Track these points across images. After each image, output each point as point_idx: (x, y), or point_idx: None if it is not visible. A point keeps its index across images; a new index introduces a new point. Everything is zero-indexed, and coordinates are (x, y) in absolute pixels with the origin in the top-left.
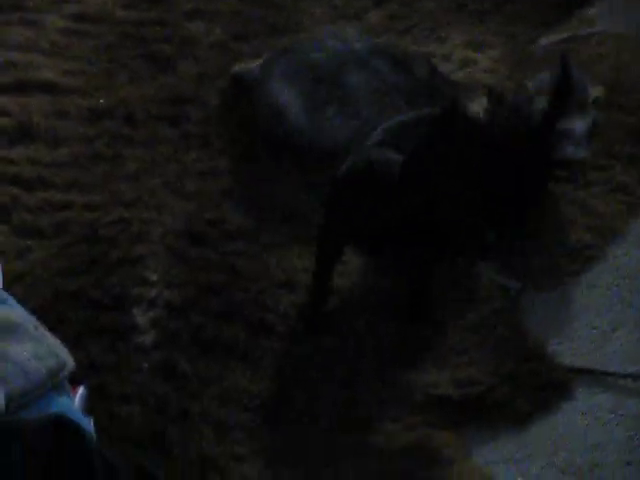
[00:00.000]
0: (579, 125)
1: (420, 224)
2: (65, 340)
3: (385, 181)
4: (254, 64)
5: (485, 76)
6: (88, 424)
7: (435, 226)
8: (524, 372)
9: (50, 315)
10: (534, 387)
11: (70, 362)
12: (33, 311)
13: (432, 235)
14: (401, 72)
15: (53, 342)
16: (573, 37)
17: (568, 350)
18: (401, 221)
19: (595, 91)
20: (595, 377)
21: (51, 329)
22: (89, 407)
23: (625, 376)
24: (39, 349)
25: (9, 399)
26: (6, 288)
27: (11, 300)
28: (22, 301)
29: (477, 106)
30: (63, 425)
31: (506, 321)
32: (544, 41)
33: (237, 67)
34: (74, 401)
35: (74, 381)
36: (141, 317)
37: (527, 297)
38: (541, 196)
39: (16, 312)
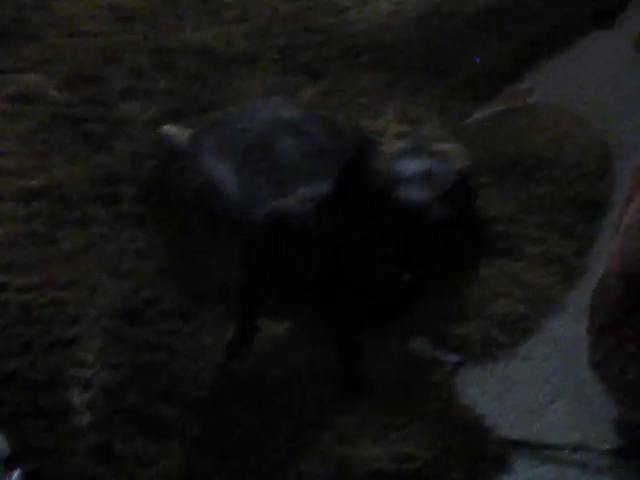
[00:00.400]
0: (412, 166)
1: (332, 274)
2: (0, 423)
3: (294, 230)
4: (183, 135)
5: None
6: None
7: (347, 275)
8: (461, 446)
9: None
10: (472, 460)
11: (4, 447)
12: None
13: (346, 285)
14: (333, 136)
15: None
16: (506, 110)
17: (505, 423)
18: (314, 272)
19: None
20: (533, 449)
21: None
22: None
23: (564, 448)
24: None
25: None
26: None
27: None
28: None
29: None
30: None
31: (442, 395)
32: (478, 115)
33: (166, 129)
34: None
35: (9, 465)
36: (77, 398)
37: (463, 371)
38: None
39: None
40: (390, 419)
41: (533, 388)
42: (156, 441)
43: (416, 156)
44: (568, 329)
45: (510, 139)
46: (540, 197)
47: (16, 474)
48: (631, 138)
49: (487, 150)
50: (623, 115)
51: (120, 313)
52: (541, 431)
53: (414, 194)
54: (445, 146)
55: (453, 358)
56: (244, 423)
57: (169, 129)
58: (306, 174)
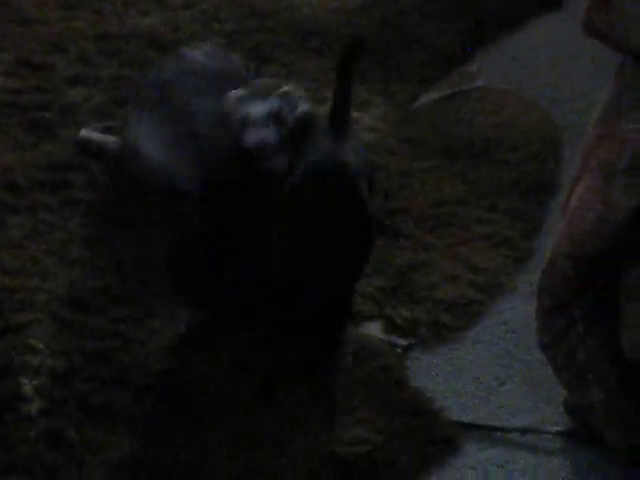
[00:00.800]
0: (258, 109)
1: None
2: None
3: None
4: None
5: (368, 135)
6: None
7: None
8: (412, 429)
9: None
10: (422, 443)
11: None
12: None
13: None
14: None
15: None
16: (454, 93)
17: (455, 405)
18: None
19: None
20: (483, 432)
21: None
22: None
23: (514, 430)
24: None
25: None
26: None
27: None
28: None
29: None
30: None
31: (393, 378)
32: (425, 98)
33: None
34: None
35: None
36: (26, 386)
37: (413, 354)
38: None
39: None
40: (340, 402)
41: (483, 371)
42: (106, 427)
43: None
44: (517, 311)
45: (458, 122)
46: (488, 179)
47: None
48: (579, 120)
49: (436, 133)
50: (571, 97)
51: (69, 300)
52: (491, 414)
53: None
54: (288, 88)
55: (402, 341)
56: (195, 408)
57: (86, 133)
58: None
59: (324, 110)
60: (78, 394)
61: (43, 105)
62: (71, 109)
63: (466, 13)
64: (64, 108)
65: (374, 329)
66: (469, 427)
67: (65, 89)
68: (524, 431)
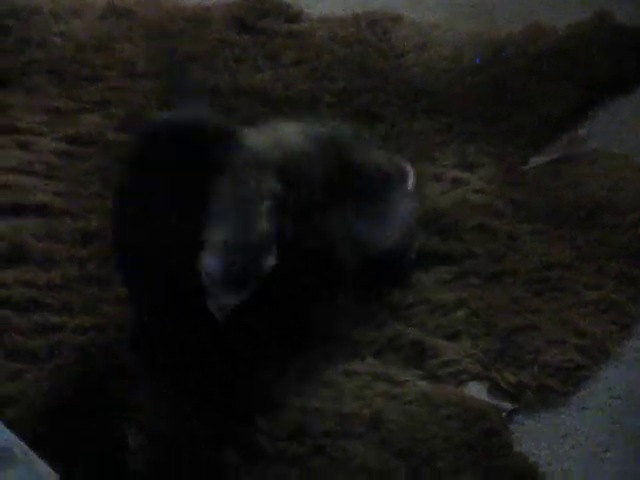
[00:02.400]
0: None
1: None
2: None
3: None
4: None
5: (475, 196)
6: None
7: None
8: None
9: (42, 440)
10: None
11: None
12: (23, 435)
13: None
14: None
15: (44, 469)
16: (564, 157)
17: (559, 471)
18: None
19: None
20: None
21: (42, 454)
22: None
23: None
24: (28, 476)
25: None
26: None
27: (0, 424)
28: (12, 426)
29: None
30: None
31: (497, 442)
32: (534, 161)
33: None
34: None
35: None
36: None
37: (517, 418)
38: None
39: (4, 436)
40: (444, 466)
41: (587, 437)
42: None
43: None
44: (623, 378)
45: (567, 186)
46: (596, 243)
47: None
48: None
49: (544, 196)
50: None
51: None
52: None
53: None
54: None
55: (507, 405)
56: None
57: None
58: None
59: (434, 170)
60: (182, 452)
61: None
62: None
63: (578, 76)
64: None
65: (479, 391)
66: None
67: None
68: None
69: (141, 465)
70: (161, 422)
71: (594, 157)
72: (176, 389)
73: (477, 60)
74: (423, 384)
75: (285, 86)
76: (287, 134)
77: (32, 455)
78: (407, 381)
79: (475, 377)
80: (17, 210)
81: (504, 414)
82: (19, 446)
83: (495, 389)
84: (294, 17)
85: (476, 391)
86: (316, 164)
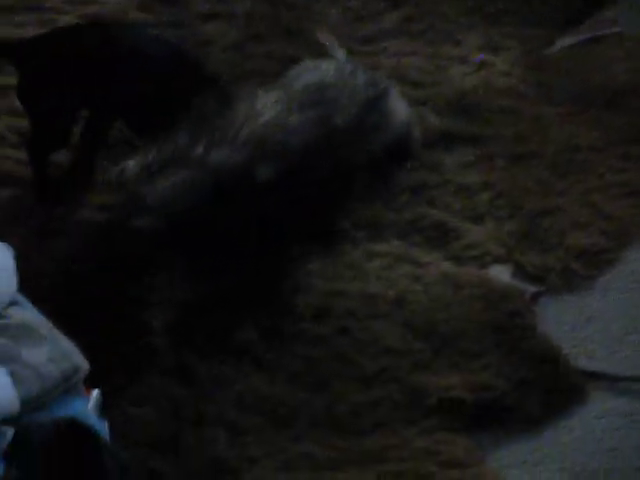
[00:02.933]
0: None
1: None
2: (79, 342)
3: None
4: None
5: (500, 79)
6: (102, 427)
7: None
8: (538, 376)
9: (64, 317)
10: (548, 391)
11: (84, 365)
12: (48, 312)
13: None
14: None
15: (67, 345)
16: (590, 39)
17: (582, 354)
18: None
19: None
20: (609, 381)
21: (65, 331)
22: (103, 410)
23: (638, 380)
24: (53, 352)
25: (23, 401)
26: (21, 288)
27: (25, 302)
28: (37, 302)
29: None
30: (76, 428)
31: (520, 324)
32: (561, 43)
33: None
34: (88, 404)
35: (88, 383)
36: (156, 320)
37: (542, 300)
38: None
39: (30, 314)
40: (467, 347)
41: (610, 320)
42: (232, 364)
43: None
44: None
45: (594, 68)
46: (622, 127)
47: (95, 392)
48: None
49: (570, 79)
50: None
51: None
52: (616, 364)
53: None
54: None
55: (531, 287)
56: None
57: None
58: None
59: (459, 52)
60: (206, 329)
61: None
62: (205, 44)
63: None
64: (198, 43)
65: (503, 273)
66: (595, 376)
67: (200, 24)
68: None
69: (165, 346)
70: (183, 304)
71: (620, 40)
72: (199, 271)
73: None
74: (446, 265)
75: None
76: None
77: (57, 332)
78: (430, 263)
79: (499, 259)
80: None
81: (528, 296)
82: (45, 324)
83: (519, 272)
84: None
85: (500, 273)
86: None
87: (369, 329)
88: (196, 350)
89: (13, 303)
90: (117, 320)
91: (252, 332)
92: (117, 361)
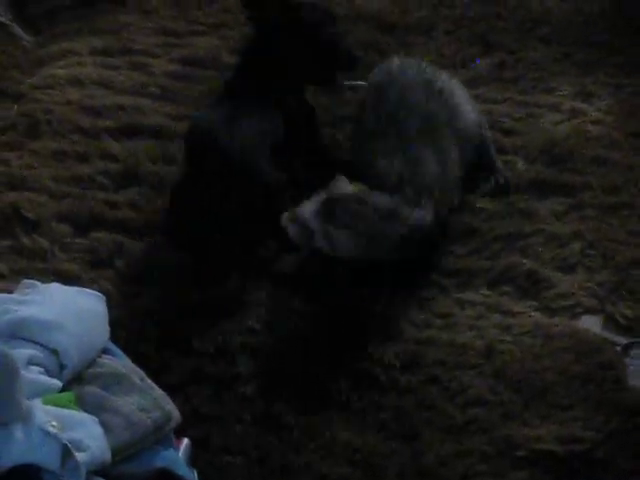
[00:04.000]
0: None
1: None
2: (169, 389)
3: None
4: None
5: (593, 127)
6: (192, 476)
7: None
8: (630, 428)
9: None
10: (638, 445)
11: (176, 414)
12: (137, 358)
13: None
14: None
15: (159, 394)
16: None
17: None
18: None
19: None
20: None
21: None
22: (192, 458)
23: None
24: (145, 401)
25: (115, 451)
26: (112, 336)
27: (117, 351)
28: (127, 349)
29: None
30: (168, 478)
31: (611, 376)
32: None
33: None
34: (179, 453)
35: (178, 432)
36: (244, 366)
37: (632, 352)
38: None
39: (122, 363)
40: (557, 399)
41: None
42: (320, 412)
43: None
44: None
45: None
46: None
47: (185, 441)
48: None
49: None
50: None
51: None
52: None
53: None
54: None
55: (622, 339)
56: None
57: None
58: None
59: (551, 100)
60: (295, 378)
61: None
62: None
63: None
64: None
65: (594, 325)
66: None
67: None
68: None
69: (252, 390)
70: (272, 351)
71: None
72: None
73: None
74: (537, 316)
75: (402, 12)
76: None
77: (148, 381)
78: (521, 312)
79: (590, 310)
80: (131, 132)
81: (619, 348)
82: (137, 372)
83: (610, 323)
84: None
85: (590, 324)
86: None
87: (458, 379)
88: (285, 398)
89: (105, 351)
90: (207, 365)
91: (342, 380)
92: (206, 408)
